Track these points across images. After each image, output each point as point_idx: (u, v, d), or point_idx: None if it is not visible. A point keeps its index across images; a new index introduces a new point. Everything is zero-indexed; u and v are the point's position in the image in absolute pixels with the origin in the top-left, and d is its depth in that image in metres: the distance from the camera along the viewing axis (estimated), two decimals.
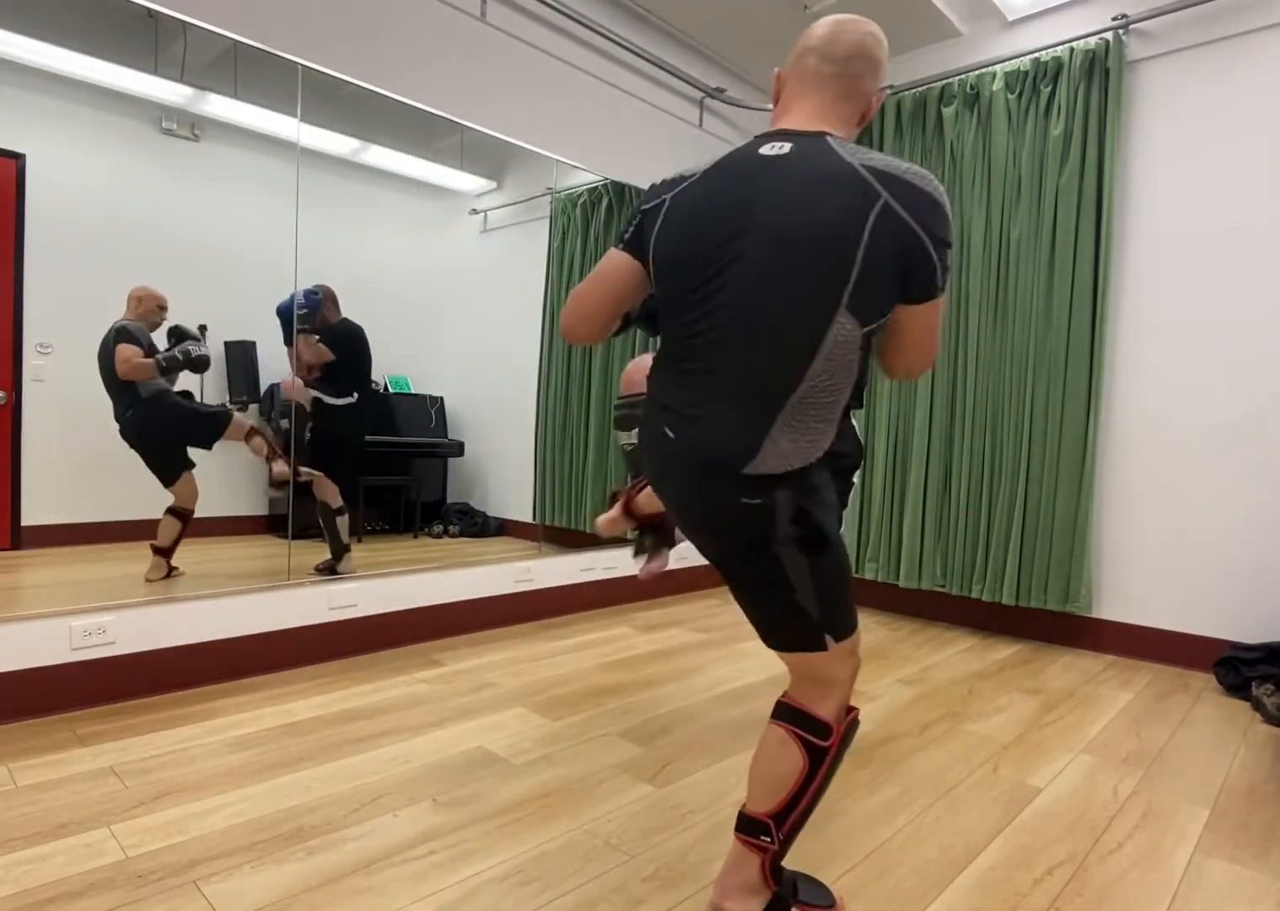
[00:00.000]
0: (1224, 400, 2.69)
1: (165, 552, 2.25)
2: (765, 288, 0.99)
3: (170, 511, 2.26)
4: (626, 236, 1.13)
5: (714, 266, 1.02)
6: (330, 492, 2.64)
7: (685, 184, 1.08)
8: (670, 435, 1.07)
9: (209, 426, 2.38)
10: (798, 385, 1.00)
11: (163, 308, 2.26)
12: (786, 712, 1.15)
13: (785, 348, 0.99)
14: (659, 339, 1.16)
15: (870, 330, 1.02)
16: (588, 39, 3.11)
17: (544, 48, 2.97)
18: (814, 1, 3.10)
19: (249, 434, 2.40)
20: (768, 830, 1.13)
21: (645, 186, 3.43)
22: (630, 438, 1.80)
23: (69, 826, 1.41)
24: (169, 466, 2.27)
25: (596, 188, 3.32)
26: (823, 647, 1.10)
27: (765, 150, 1.03)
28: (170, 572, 2.25)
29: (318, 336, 2.58)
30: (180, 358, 2.26)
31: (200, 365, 2.32)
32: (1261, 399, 2.62)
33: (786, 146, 1.02)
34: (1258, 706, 2.31)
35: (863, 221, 0.95)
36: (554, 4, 2.87)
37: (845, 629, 1.12)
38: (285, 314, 2.47)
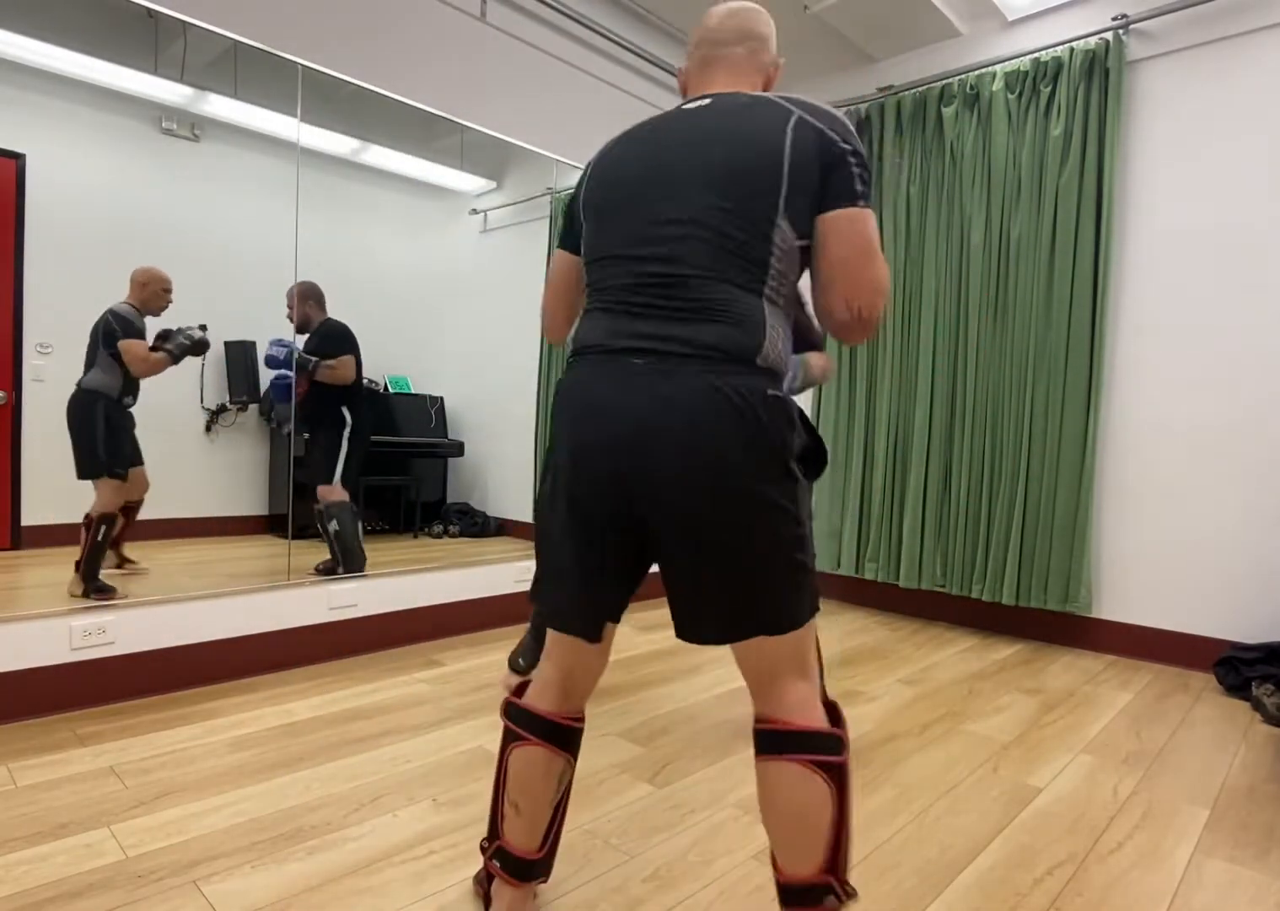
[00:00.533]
0: (1224, 400, 2.69)
1: (114, 544, 2.18)
2: (707, 208, 0.99)
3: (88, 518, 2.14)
4: (561, 232, 1.19)
5: (638, 197, 1.03)
6: (337, 495, 2.65)
7: (606, 149, 1.13)
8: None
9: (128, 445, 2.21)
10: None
11: (168, 290, 2.19)
12: (784, 741, 0.97)
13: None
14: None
15: (805, 245, 1.01)
16: (588, 39, 3.11)
17: (544, 48, 2.97)
18: (814, 2, 3.10)
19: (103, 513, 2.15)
20: (830, 889, 0.94)
21: None
22: None
23: (69, 826, 1.41)
24: (101, 461, 2.15)
25: None
26: (816, 608, 1.00)
27: (686, 106, 1.08)
28: (123, 564, 2.18)
29: (311, 364, 2.55)
30: (187, 343, 2.23)
31: (203, 348, 2.30)
32: (1262, 398, 2.62)
33: (706, 100, 1.07)
34: (1258, 706, 2.31)
35: (783, 128, 0.98)
36: (554, 4, 2.87)
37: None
38: (273, 365, 2.48)
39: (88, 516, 2.09)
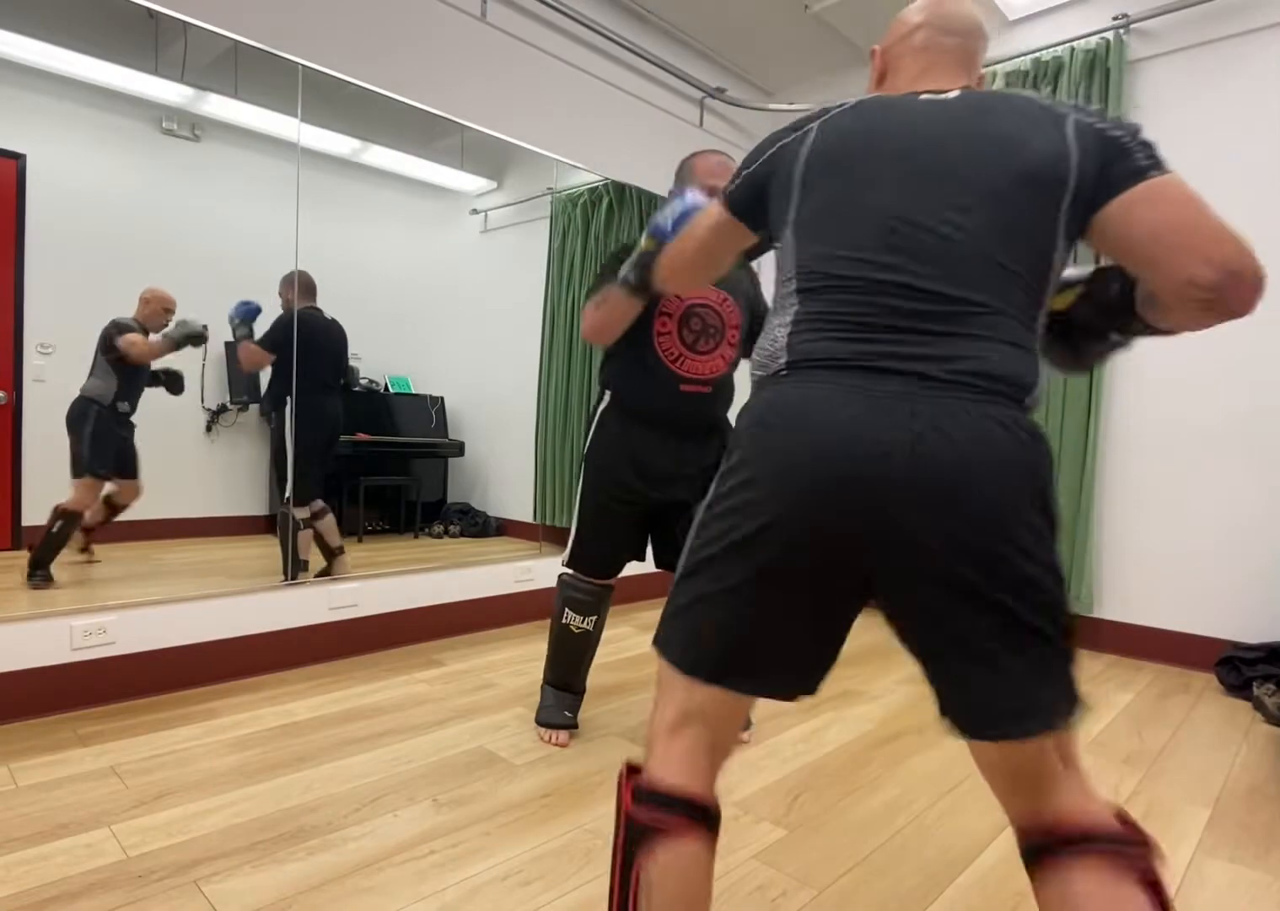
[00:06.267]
0: (1225, 400, 2.69)
1: (87, 531, 2.22)
2: (979, 219, 0.83)
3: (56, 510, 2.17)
4: (730, 188, 1.00)
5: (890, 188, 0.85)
6: (297, 512, 2.52)
7: (834, 111, 0.93)
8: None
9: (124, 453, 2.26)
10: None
11: (169, 310, 2.26)
12: (1077, 837, 0.76)
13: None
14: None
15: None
16: (588, 39, 3.11)
17: (544, 48, 2.97)
18: (814, 1, 3.09)
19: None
20: None
21: (645, 187, 3.43)
22: (584, 622, 1.89)
23: (69, 826, 1.41)
24: (84, 462, 2.18)
25: (597, 188, 3.32)
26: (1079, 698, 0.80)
27: (926, 96, 0.90)
28: (87, 549, 2.21)
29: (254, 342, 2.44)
30: (185, 332, 2.26)
31: (201, 340, 2.32)
32: (1263, 399, 2.62)
33: (953, 93, 0.90)
34: (1259, 706, 2.30)
35: (1063, 131, 0.82)
36: (554, 4, 2.87)
37: None
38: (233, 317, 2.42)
39: (55, 507, 2.13)
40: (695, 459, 1.85)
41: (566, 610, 1.89)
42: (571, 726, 1.92)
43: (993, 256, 0.81)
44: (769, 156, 0.95)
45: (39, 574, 2.10)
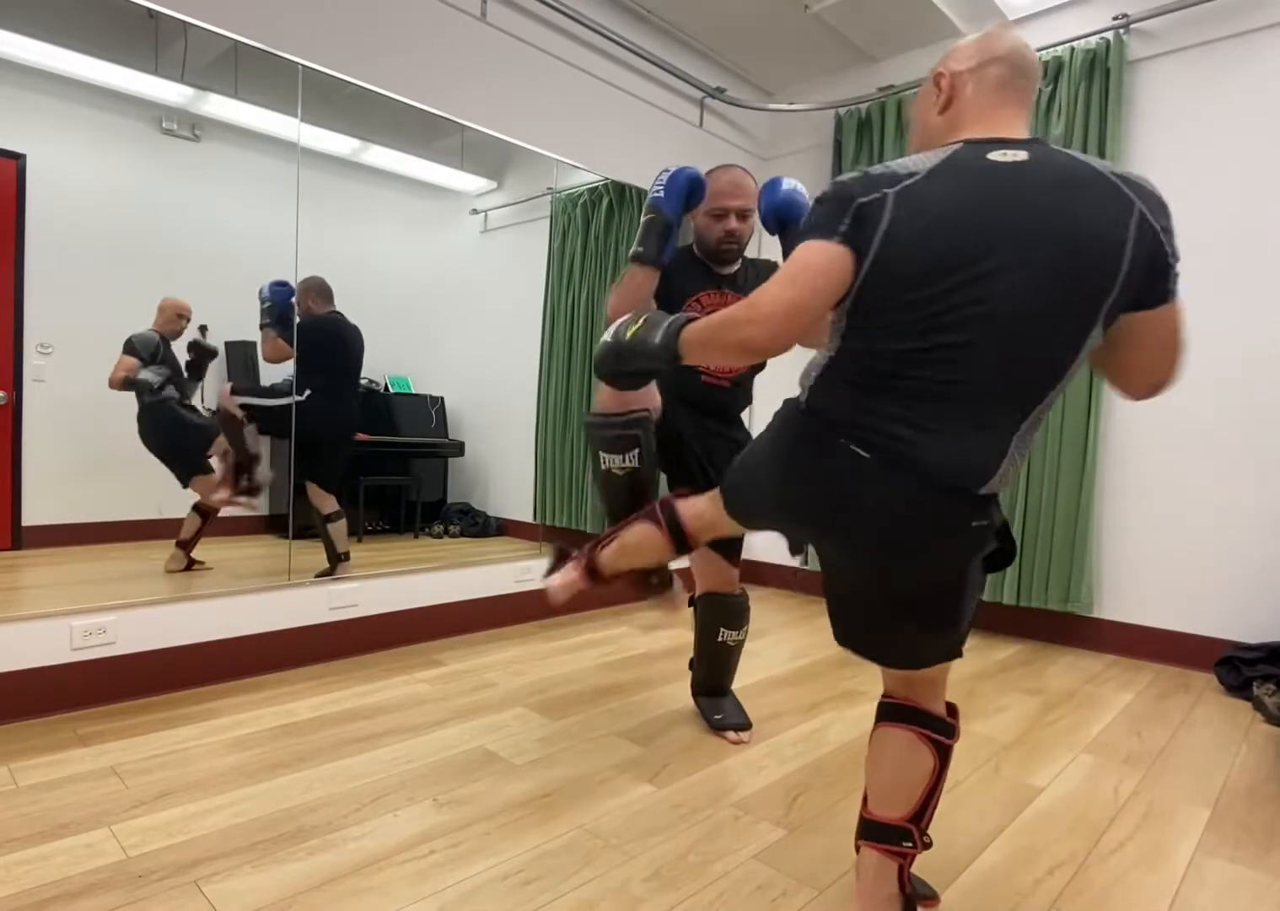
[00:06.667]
0: (1225, 400, 2.69)
1: (184, 545, 2.35)
2: (1031, 299, 0.92)
3: (193, 508, 2.37)
4: (843, 228, 0.95)
5: (967, 274, 0.92)
6: (319, 498, 2.59)
7: (910, 181, 0.95)
8: (867, 455, 0.98)
9: (197, 439, 2.40)
10: (1045, 399, 0.97)
11: (182, 316, 2.32)
12: (909, 714, 1.16)
13: (1046, 362, 0.95)
14: (832, 349, 1.05)
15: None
16: (588, 39, 3.11)
17: (544, 48, 2.97)
18: (814, 1, 3.09)
19: (224, 454, 2.42)
20: (909, 834, 1.13)
21: (646, 186, 3.43)
22: (626, 461, 1.67)
23: (69, 826, 1.41)
24: (178, 468, 2.32)
25: (597, 188, 3.32)
26: (960, 653, 1.13)
27: (995, 156, 0.95)
28: (190, 565, 2.36)
29: (278, 331, 2.45)
30: (151, 381, 2.29)
31: (144, 387, 2.29)
32: (1263, 399, 2.62)
33: (1022, 153, 0.95)
34: (1259, 706, 2.30)
35: (1126, 228, 0.91)
36: (554, 4, 2.87)
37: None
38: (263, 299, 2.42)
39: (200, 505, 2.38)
40: (723, 431, 1.91)
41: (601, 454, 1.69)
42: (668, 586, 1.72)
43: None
44: (856, 211, 0.95)
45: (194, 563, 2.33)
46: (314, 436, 2.51)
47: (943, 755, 1.14)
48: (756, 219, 1.85)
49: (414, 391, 3.11)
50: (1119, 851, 1.48)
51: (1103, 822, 1.59)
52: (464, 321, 3.21)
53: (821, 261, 0.96)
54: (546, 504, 3.42)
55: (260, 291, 2.39)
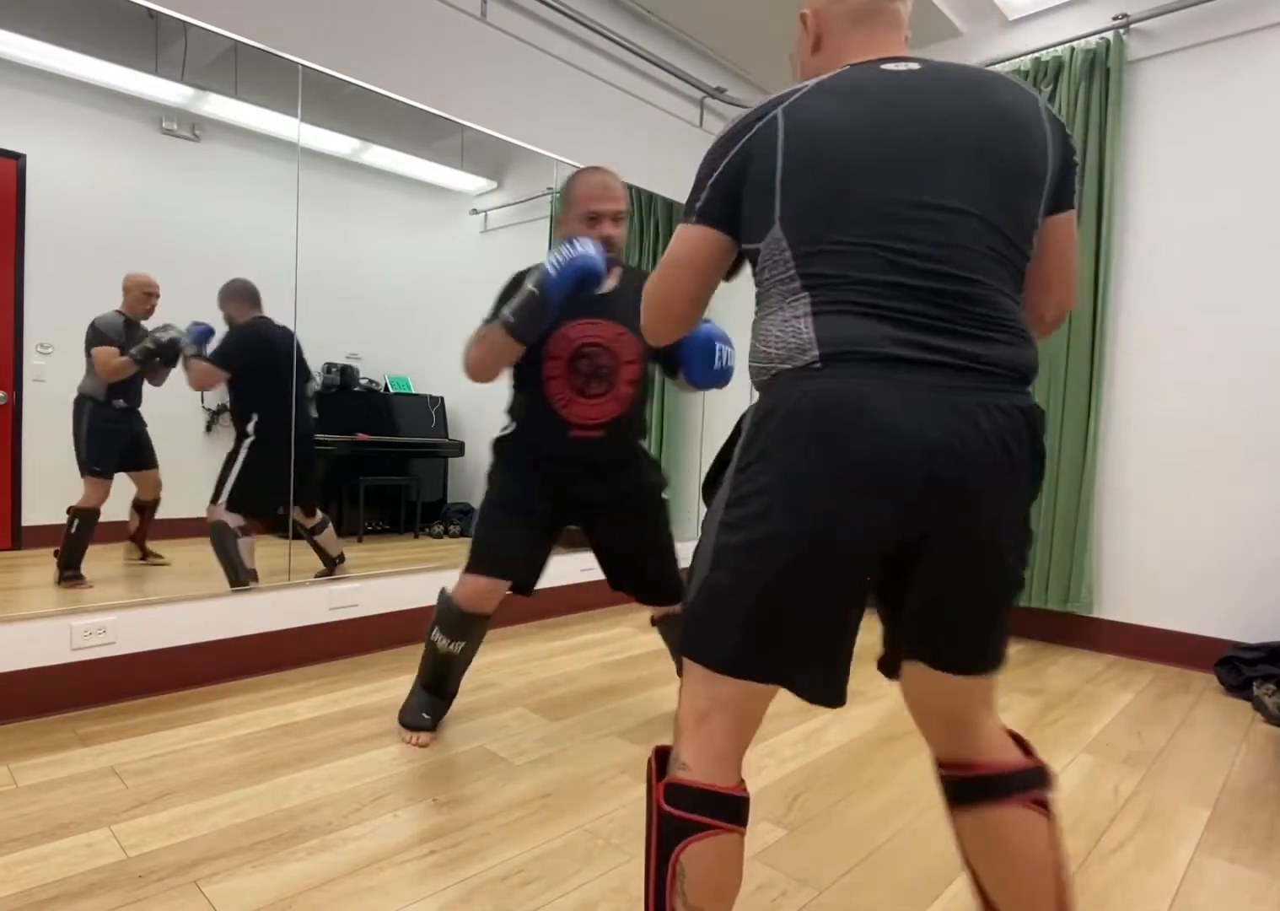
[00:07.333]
0: (1225, 399, 2.69)
1: (134, 539, 2.28)
2: (981, 197, 0.83)
3: (132, 504, 2.27)
4: (700, 203, 0.91)
5: (910, 168, 0.82)
6: (301, 517, 2.53)
7: (797, 95, 0.86)
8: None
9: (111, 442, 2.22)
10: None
11: (150, 294, 2.19)
12: (993, 784, 0.91)
13: (1012, 265, 0.86)
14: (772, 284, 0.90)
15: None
16: (588, 39, 3.11)
17: (544, 48, 2.97)
18: None
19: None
20: None
21: (645, 186, 3.44)
22: (452, 647, 1.81)
23: (69, 826, 1.41)
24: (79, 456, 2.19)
25: None
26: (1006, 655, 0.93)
27: (889, 67, 0.87)
28: (145, 556, 2.27)
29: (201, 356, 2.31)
30: (151, 347, 2.19)
31: (168, 350, 2.22)
32: (1263, 398, 2.62)
33: (914, 64, 0.87)
34: (1259, 706, 2.30)
35: (1039, 117, 0.86)
36: (554, 4, 2.87)
37: None
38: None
39: (68, 508, 2.14)
40: (598, 488, 1.82)
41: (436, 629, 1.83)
42: (428, 729, 1.85)
43: (982, 235, 0.83)
44: (732, 160, 0.88)
45: (68, 574, 2.12)
46: (279, 468, 2.42)
47: (1051, 813, 0.91)
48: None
49: (414, 391, 3.11)
50: (1119, 851, 1.48)
51: (1103, 822, 1.59)
52: (464, 321, 3.21)
53: (684, 248, 0.94)
54: None
55: (180, 340, 2.28)
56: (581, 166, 3.16)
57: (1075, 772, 1.83)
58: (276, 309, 2.43)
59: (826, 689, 0.88)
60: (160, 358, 2.24)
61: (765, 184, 0.86)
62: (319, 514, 2.59)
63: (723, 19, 3.30)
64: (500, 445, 1.89)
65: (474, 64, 2.76)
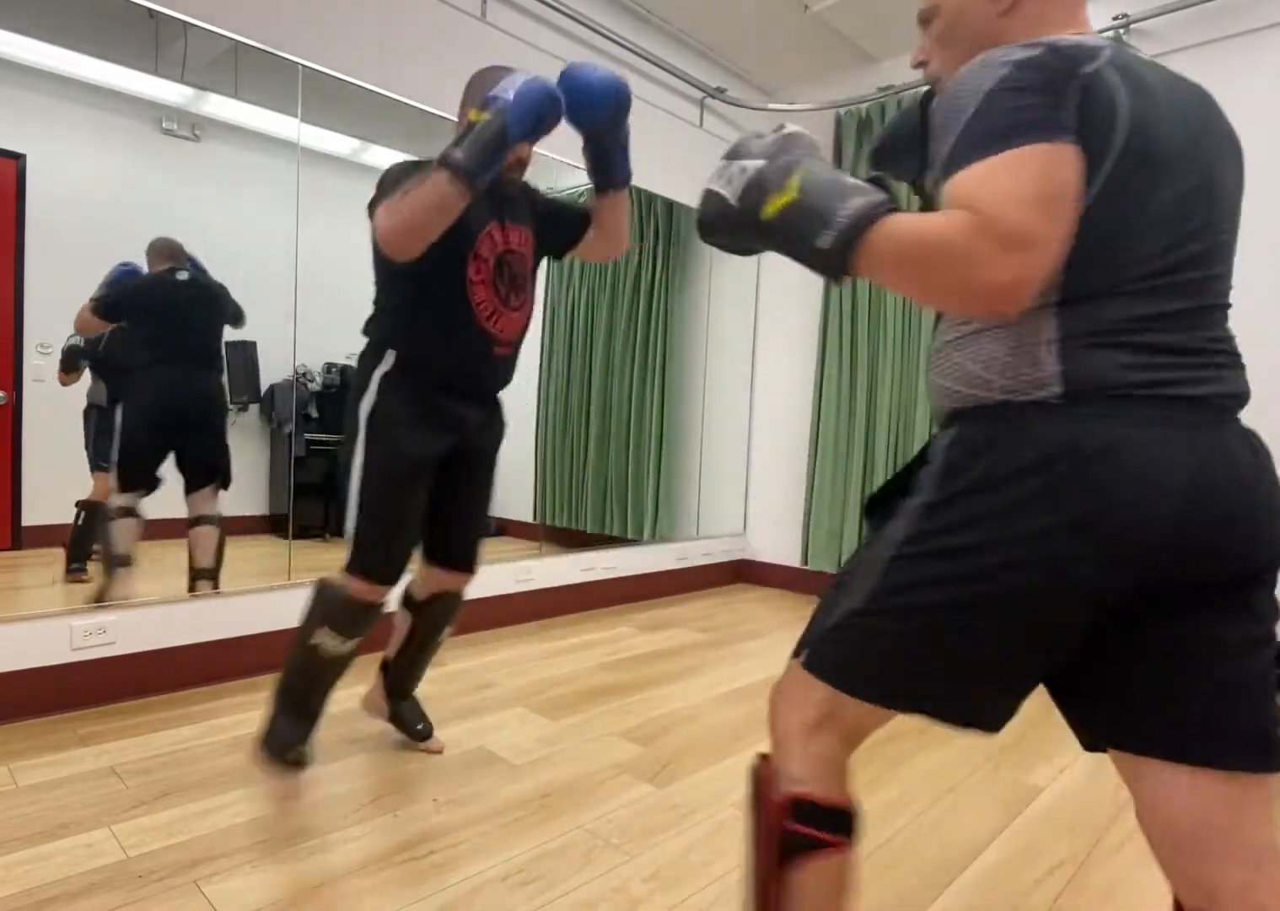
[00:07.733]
0: None
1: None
2: (1235, 210, 0.84)
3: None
4: (1063, 114, 0.66)
5: (1199, 176, 0.79)
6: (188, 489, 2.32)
7: (1106, 56, 0.69)
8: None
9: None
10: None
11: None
12: None
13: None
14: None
15: None
16: (588, 39, 3.11)
17: (544, 48, 2.97)
18: (814, 1, 3.09)
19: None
20: None
21: (645, 187, 3.43)
22: (345, 646, 1.50)
23: (69, 826, 1.41)
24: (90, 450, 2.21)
25: None
26: None
27: (1144, 57, 0.81)
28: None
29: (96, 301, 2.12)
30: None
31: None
32: (1263, 400, 2.61)
33: (1144, 55, 0.84)
34: None
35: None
36: (554, 4, 2.87)
37: None
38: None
39: (75, 503, 2.18)
40: (483, 426, 1.56)
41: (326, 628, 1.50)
42: (306, 763, 1.54)
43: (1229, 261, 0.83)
44: (1083, 88, 0.67)
45: (74, 567, 2.15)
46: (155, 435, 2.25)
47: None
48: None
49: None
50: (1119, 851, 1.48)
51: (1103, 822, 1.59)
52: None
53: (1050, 164, 0.65)
54: (546, 504, 3.42)
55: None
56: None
57: (1076, 772, 1.83)
58: (276, 308, 2.44)
59: (988, 717, 0.82)
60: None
61: (1111, 128, 0.69)
62: (215, 502, 2.31)
63: (723, 19, 3.30)
64: (386, 381, 1.44)
65: (474, 64, 2.75)
